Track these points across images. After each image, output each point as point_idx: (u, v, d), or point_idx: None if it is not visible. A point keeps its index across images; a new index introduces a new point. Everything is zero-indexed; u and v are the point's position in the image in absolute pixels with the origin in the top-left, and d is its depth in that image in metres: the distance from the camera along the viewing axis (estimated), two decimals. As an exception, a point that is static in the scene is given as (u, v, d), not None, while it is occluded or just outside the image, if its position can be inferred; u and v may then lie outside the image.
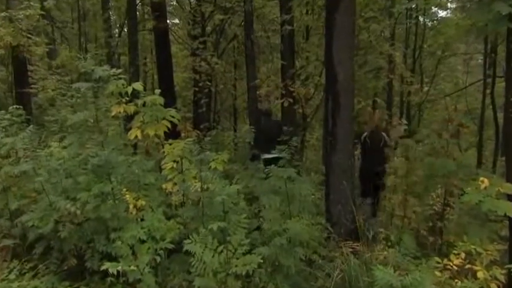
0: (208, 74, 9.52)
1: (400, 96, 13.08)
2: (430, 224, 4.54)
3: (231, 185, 3.64)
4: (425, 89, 13.99)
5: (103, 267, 3.23)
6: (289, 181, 4.01)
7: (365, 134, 5.80)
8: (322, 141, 6.94)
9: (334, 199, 4.47)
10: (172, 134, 5.00)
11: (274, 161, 6.36)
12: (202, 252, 3.19)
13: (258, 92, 8.62)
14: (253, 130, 6.86)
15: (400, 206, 4.33)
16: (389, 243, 3.89)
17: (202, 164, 4.01)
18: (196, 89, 9.24)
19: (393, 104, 13.09)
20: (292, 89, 7.59)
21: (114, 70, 4.22)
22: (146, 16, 11.92)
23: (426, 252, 4.15)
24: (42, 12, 8.95)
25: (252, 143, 6.74)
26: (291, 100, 7.56)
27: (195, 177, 4.09)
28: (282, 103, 7.69)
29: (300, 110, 8.61)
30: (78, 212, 3.54)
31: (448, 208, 4.56)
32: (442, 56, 14.16)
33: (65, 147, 4.33)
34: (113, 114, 4.29)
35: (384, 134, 5.69)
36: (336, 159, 4.44)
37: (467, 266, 3.42)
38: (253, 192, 5.02)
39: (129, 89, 4.19)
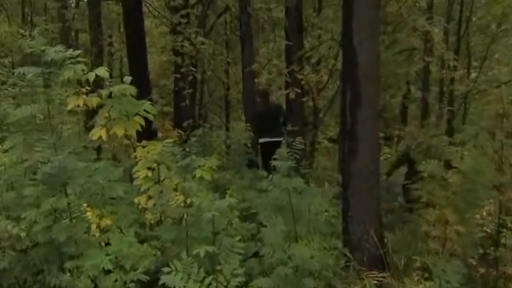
0: (193, 56, 9.51)
1: (439, 85, 13.07)
2: (481, 250, 4.54)
3: (222, 198, 3.65)
4: (474, 75, 13.86)
5: (56, 308, 3.18)
6: (296, 194, 4.03)
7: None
8: (338, 143, 6.88)
9: (354, 217, 4.47)
10: (147, 133, 5.05)
11: (273, 145, 6.92)
12: (185, 286, 3.17)
13: (256, 81, 8.63)
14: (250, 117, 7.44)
15: (438, 225, 4.26)
16: (426, 275, 3.87)
17: (186, 171, 4.14)
18: (178, 76, 9.17)
19: (430, 95, 13.10)
20: (299, 77, 7.56)
21: (70, 51, 4.20)
22: (111, -19, 12.04)
23: (476, 288, 4.17)
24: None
25: (250, 130, 7.43)
26: (299, 90, 7.54)
27: (176, 189, 4.12)
28: (287, 94, 7.63)
29: (310, 103, 8.60)
30: (23, 234, 3.50)
31: (505, 230, 4.54)
32: (496, 32, 13.86)
33: (5, 151, 4.29)
34: (69, 108, 4.27)
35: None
36: (356, 166, 4.44)
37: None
38: (251, 207, 5.03)
39: (91, 76, 4.19)
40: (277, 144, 7.29)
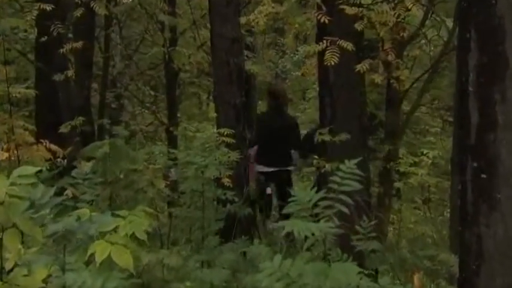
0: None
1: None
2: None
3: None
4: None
5: None
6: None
7: None
8: (451, 180, 6.00)
9: None
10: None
11: (276, 176, 6.90)
12: None
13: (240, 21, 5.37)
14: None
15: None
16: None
17: (67, 248, 3.13)
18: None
19: None
20: (351, 11, 4.55)
21: None
22: None
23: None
24: None
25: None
26: (350, 45, 4.59)
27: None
28: (320, 58, 5.06)
29: (380, 81, 5.65)
30: None
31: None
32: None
33: None
34: None
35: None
36: (497, 234, 3.38)
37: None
38: None
39: None
40: (286, 177, 6.93)
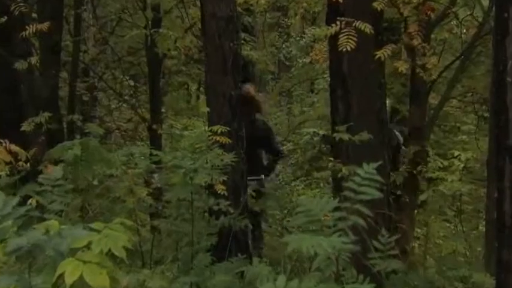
0: None
1: None
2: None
3: None
4: None
5: None
6: None
7: None
8: (487, 188, 6.77)
9: None
10: None
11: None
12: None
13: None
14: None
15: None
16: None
17: (30, 266, 3.19)
18: None
19: None
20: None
21: None
22: None
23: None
24: None
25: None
26: (369, 27, 4.82)
27: None
28: (332, 44, 5.59)
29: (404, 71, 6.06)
30: None
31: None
32: None
33: None
34: None
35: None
36: None
37: None
38: None
39: None
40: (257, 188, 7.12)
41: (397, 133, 8.55)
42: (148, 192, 5.66)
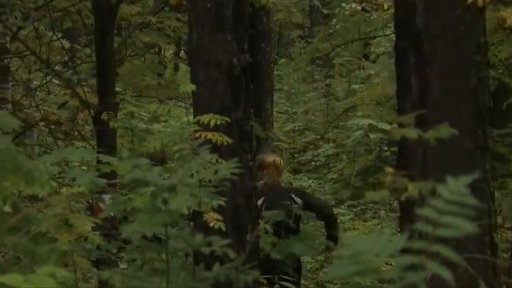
0: None
1: None
2: None
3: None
4: None
5: None
6: None
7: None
8: None
9: None
10: None
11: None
12: None
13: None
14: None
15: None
16: None
17: None
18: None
19: None
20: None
21: None
22: None
23: None
24: None
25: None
26: None
27: None
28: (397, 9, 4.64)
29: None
30: None
31: None
32: None
33: None
34: None
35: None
36: None
37: None
38: None
39: None
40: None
41: None
42: (94, 225, 4.29)
